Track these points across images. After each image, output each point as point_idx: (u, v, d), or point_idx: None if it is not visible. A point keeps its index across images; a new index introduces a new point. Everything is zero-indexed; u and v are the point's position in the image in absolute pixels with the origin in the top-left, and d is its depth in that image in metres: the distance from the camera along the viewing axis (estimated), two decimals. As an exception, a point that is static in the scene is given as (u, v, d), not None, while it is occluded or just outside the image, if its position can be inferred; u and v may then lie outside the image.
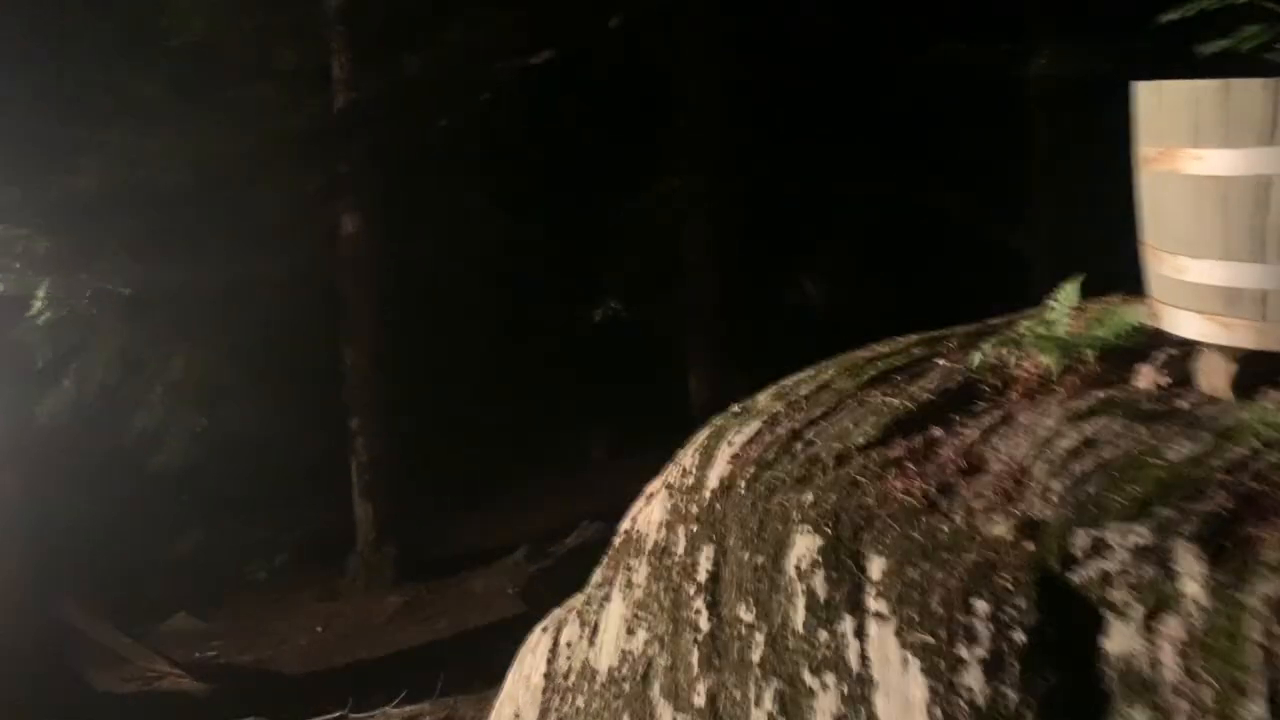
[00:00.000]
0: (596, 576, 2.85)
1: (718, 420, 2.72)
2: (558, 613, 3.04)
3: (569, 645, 2.80)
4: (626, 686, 2.50)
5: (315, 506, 7.80)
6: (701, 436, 2.69)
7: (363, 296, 7.44)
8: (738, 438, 2.53)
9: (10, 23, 6.20)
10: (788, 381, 2.77)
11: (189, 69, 6.76)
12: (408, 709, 4.73)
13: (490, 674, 5.32)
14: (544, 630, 3.00)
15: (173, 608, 7.33)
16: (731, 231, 8.08)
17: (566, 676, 2.75)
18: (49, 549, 6.16)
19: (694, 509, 2.53)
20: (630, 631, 2.57)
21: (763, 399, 2.72)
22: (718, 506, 2.45)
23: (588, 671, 2.67)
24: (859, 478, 2.16)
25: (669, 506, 2.63)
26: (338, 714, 4.83)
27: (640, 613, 2.58)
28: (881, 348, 2.75)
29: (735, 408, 2.75)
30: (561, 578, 6.42)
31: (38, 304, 5.21)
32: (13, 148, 6.06)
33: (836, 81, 8.03)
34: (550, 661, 2.84)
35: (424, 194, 7.30)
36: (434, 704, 4.75)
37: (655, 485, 2.81)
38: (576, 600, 3.02)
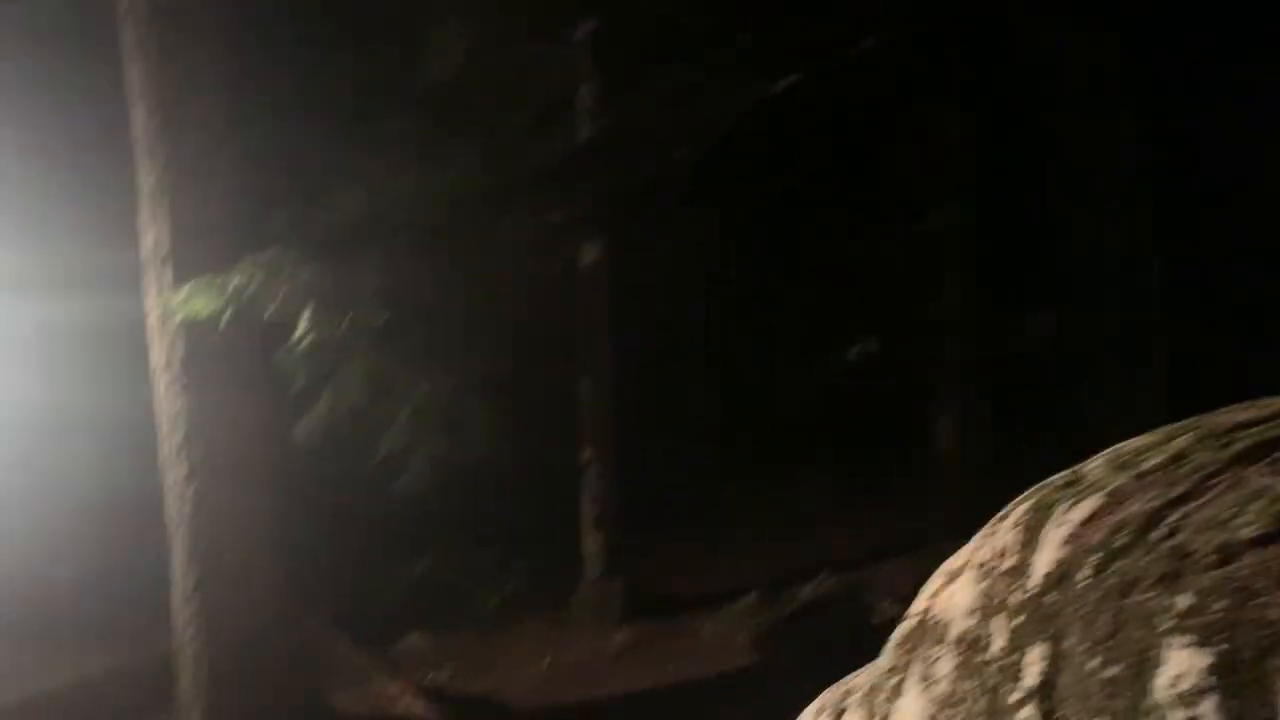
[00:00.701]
0: (883, 661, 2.50)
1: (1038, 491, 2.32)
2: (831, 695, 2.70)
3: (851, 737, 2.46)
4: (928, 796, 2.14)
5: (545, 536, 7.78)
6: (1020, 510, 2.29)
7: (599, 328, 7.38)
8: (1073, 514, 2.13)
9: (281, 55, 6.54)
10: (1125, 448, 2.34)
11: (443, 103, 6.93)
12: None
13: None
14: (820, 714, 2.67)
15: (405, 629, 7.47)
16: (990, 270, 7.53)
17: (850, 773, 2.41)
18: (297, 567, 6.36)
19: (1016, 598, 2.14)
20: (932, 733, 2.20)
21: (1096, 468, 2.29)
22: (1050, 598, 2.06)
23: (876, 771, 2.32)
24: (1254, 582, 1.73)
25: (980, 591, 2.25)
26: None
27: (943, 713, 2.22)
28: (1247, 413, 2.28)
29: (1059, 477, 2.34)
30: (799, 632, 6.13)
31: (300, 329, 5.38)
32: (281, 175, 6.38)
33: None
34: (828, 753, 2.51)
35: (664, 226, 7.19)
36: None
37: (956, 562, 2.43)
38: (855, 682, 2.67)
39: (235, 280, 5.15)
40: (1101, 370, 7.50)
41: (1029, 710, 2.11)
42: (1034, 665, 2.11)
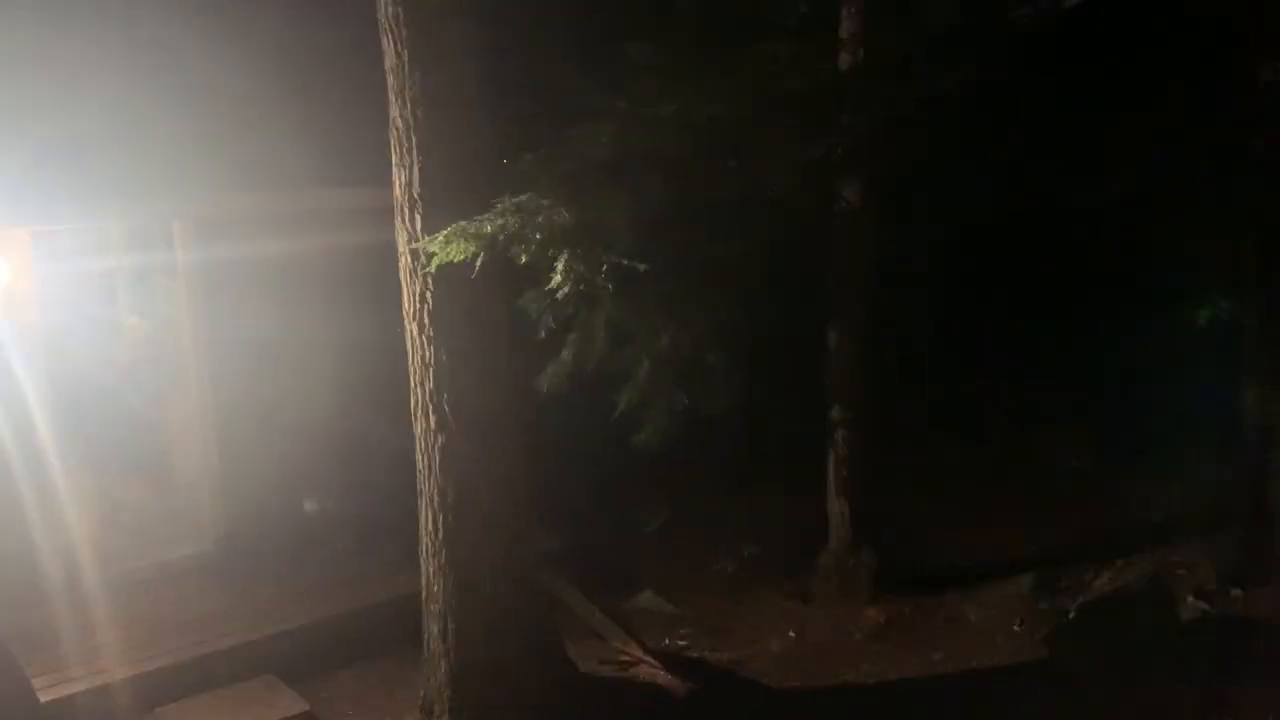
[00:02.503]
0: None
1: None
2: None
3: None
4: None
5: (788, 498, 7.33)
6: None
7: (854, 276, 6.77)
8: None
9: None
10: None
11: (693, 32, 6.43)
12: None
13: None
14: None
15: (639, 586, 7.20)
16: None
17: None
18: (539, 520, 6.16)
19: None
20: None
21: None
22: None
23: None
24: None
25: None
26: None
27: None
28: None
29: None
30: (1089, 626, 5.44)
31: (557, 277, 5.05)
32: (525, 114, 6.04)
33: None
34: None
35: (930, 165, 6.47)
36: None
37: None
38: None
39: (490, 225, 4.85)
40: None
41: None
42: None
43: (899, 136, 6.69)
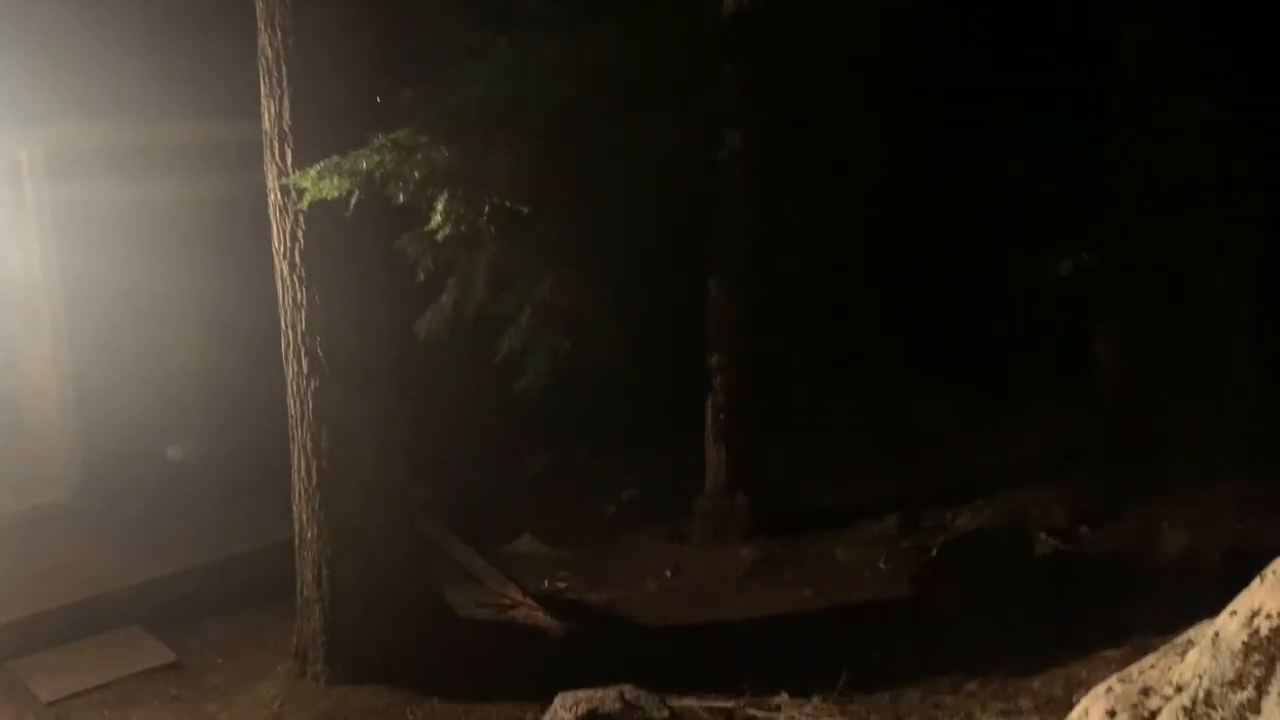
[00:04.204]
0: (1219, 667, 2.04)
1: None
2: (1124, 690, 2.26)
3: (1173, 756, 2.02)
4: None
5: (666, 443, 7.42)
6: None
7: (737, 226, 6.84)
8: None
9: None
10: None
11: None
12: (809, 707, 4.13)
13: (885, 674, 4.70)
14: (1110, 715, 2.23)
15: (519, 531, 7.21)
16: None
17: (1176, 803, 1.98)
18: (415, 466, 6.09)
19: None
20: (1312, 774, 1.75)
21: None
22: None
23: (1219, 807, 1.89)
24: None
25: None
26: (730, 702, 4.32)
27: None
28: None
29: None
30: (956, 564, 5.68)
31: (437, 217, 4.94)
32: (405, 50, 5.87)
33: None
34: (1135, 769, 2.08)
35: (822, 114, 6.55)
36: (837, 705, 4.12)
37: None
38: (1153, 678, 2.23)
39: (366, 161, 4.70)
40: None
41: None
42: None
43: (784, 86, 6.75)
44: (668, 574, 6.54)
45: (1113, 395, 6.86)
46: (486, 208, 4.99)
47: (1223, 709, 1.99)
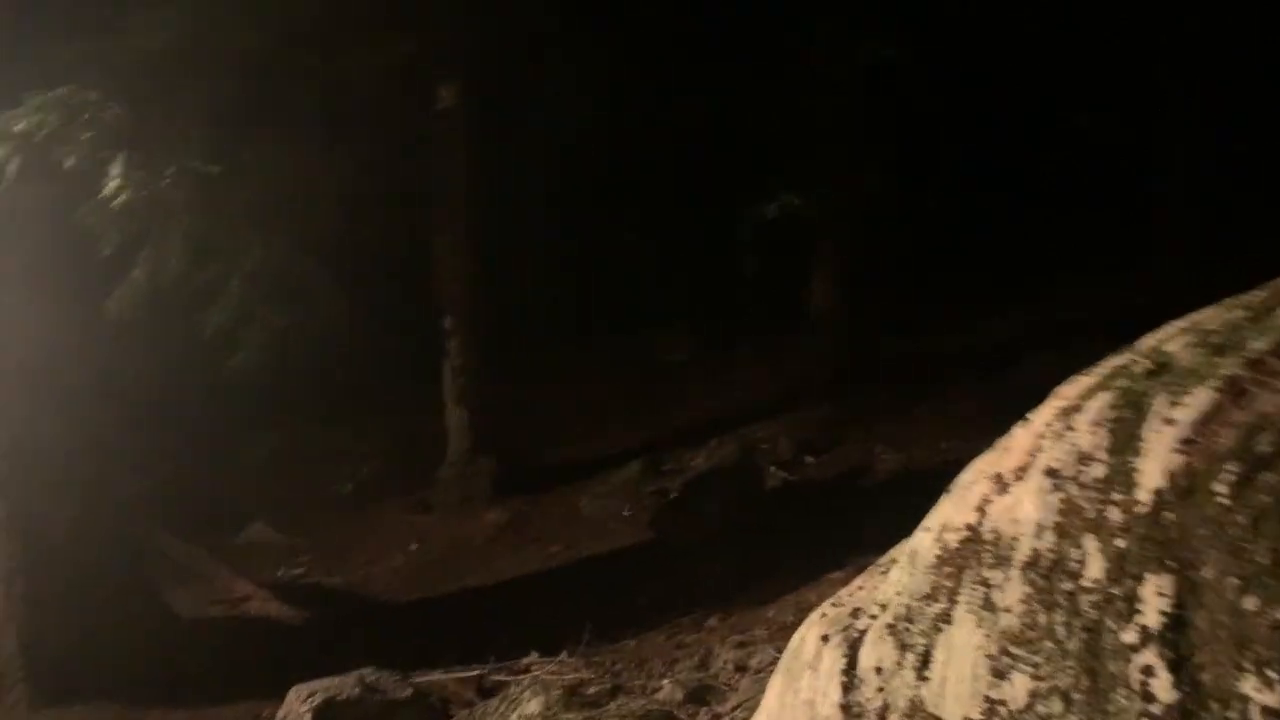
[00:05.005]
0: (916, 583, 2.11)
1: (1111, 381, 1.93)
2: (833, 616, 2.31)
3: (878, 672, 2.08)
4: (1003, 750, 1.79)
5: (403, 413, 7.16)
6: (1098, 406, 1.90)
7: (458, 182, 6.63)
8: (1181, 414, 1.76)
9: None
10: (1206, 324, 1.97)
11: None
12: (554, 665, 4.08)
13: (631, 620, 4.75)
14: (824, 640, 2.28)
15: (248, 519, 6.77)
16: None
17: (883, 716, 2.04)
18: (120, 454, 5.56)
19: (1116, 515, 1.77)
20: (1000, 675, 1.84)
21: (1181, 350, 1.93)
22: (1169, 517, 1.71)
23: (921, 715, 1.96)
24: None
25: (1055, 504, 1.87)
26: (477, 670, 4.21)
27: (1017, 650, 1.85)
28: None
29: (1130, 361, 1.96)
30: (695, 503, 5.81)
31: (113, 183, 4.44)
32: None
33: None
34: (847, 689, 2.13)
35: (532, 66, 6.42)
36: (583, 659, 4.10)
37: (1004, 464, 2.04)
38: (861, 599, 2.30)
39: (22, 123, 4.16)
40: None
41: (1149, 655, 1.77)
42: (1153, 600, 1.74)
43: (495, 37, 6.58)
44: (413, 547, 6.34)
45: (827, 329, 7.25)
46: (171, 169, 4.53)
47: (920, 622, 2.06)
